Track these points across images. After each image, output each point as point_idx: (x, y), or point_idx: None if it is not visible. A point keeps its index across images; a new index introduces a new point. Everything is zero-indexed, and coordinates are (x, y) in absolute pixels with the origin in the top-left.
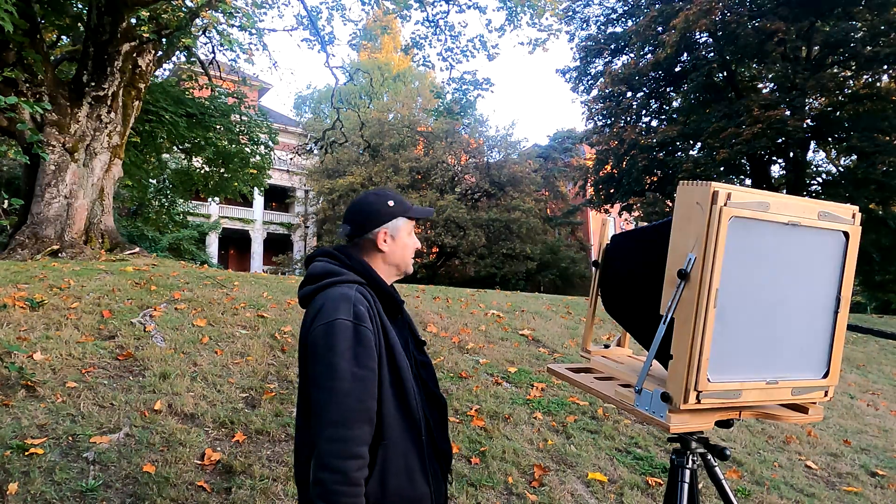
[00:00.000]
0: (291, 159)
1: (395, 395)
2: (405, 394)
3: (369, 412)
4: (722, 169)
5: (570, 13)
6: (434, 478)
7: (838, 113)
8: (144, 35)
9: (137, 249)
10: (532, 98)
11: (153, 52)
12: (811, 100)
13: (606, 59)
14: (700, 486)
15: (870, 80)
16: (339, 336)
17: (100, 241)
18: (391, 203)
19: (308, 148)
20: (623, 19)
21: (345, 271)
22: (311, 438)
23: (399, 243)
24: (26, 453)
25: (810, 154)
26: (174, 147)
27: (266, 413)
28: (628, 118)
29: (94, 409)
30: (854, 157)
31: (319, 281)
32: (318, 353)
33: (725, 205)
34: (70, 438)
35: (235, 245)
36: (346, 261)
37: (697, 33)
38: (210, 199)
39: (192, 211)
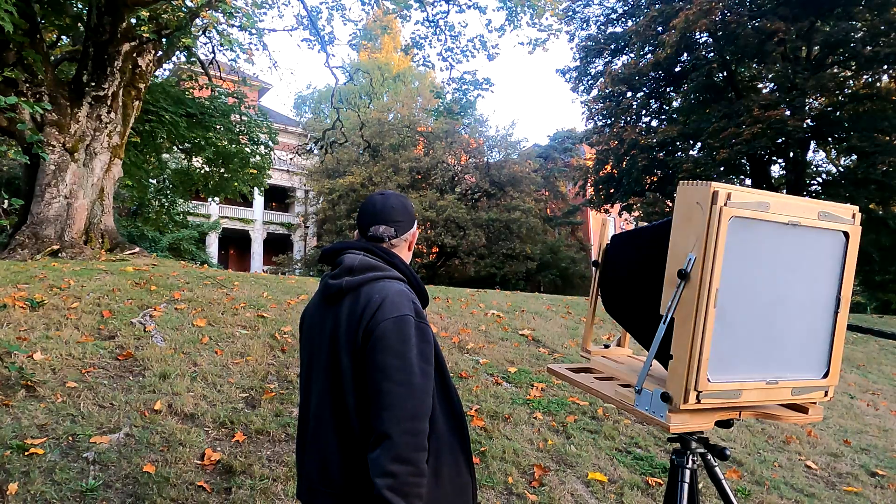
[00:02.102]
0: (291, 159)
1: (441, 391)
2: (448, 389)
3: (430, 407)
4: (722, 169)
5: (570, 13)
6: (472, 468)
7: (838, 113)
8: (144, 35)
9: (137, 249)
10: (532, 98)
11: (153, 52)
12: (811, 100)
13: (606, 59)
14: (700, 486)
15: (870, 80)
16: (410, 332)
17: (100, 241)
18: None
19: (308, 148)
20: (623, 19)
21: (387, 267)
22: (363, 428)
23: (412, 245)
24: (26, 453)
25: (810, 154)
26: (174, 147)
27: (266, 413)
28: (628, 118)
29: (94, 409)
30: (854, 157)
31: (363, 273)
32: (391, 347)
33: (725, 205)
34: (70, 438)
35: (235, 245)
36: (386, 257)
37: (697, 33)
38: (210, 199)
39: (192, 211)
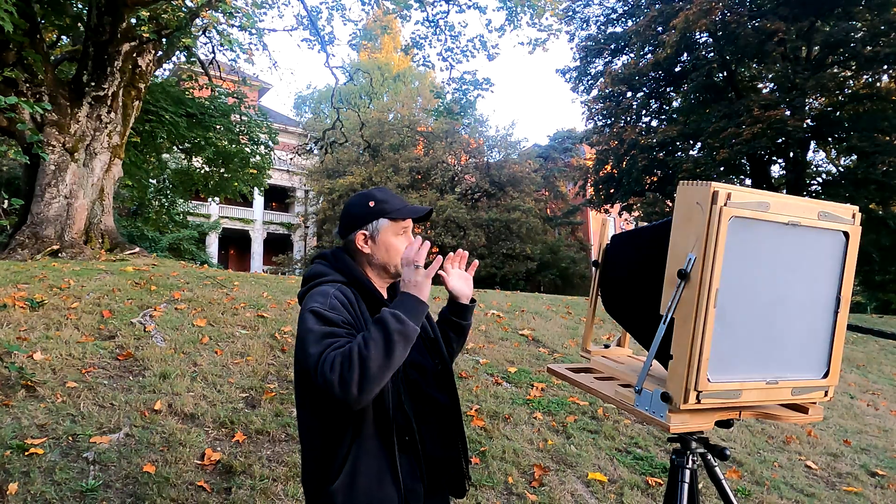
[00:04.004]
0: (291, 159)
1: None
2: (380, 392)
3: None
4: (722, 169)
5: (570, 13)
6: (410, 482)
7: (838, 113)
8: (144, 35)
9: (137, 249)
10: (532, 98)
11: (153, 52)
12: (811, 100)
13: (606, 59)
14: (700, 486)
15: (870, 80)
16: (309, 322)
17: (100, 241)
18: (372, 203)
19: (308, 148)
20: (623, 19)
21: (332, 272)
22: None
23: (381, 245)
24: (26, 453)
25: (810, 154)
26: (174, 147)
27: (266, 413)
28: (628, 118)
29: (94, 409)
30: (854, 157)
31: (308, 283)
32: (297, 342)
33: (725, 205)
34: (70, 438)
35: (235, 245)
36: (333, 262)
37: (697, 33)
38: (210, 199)
39: (192, 211)
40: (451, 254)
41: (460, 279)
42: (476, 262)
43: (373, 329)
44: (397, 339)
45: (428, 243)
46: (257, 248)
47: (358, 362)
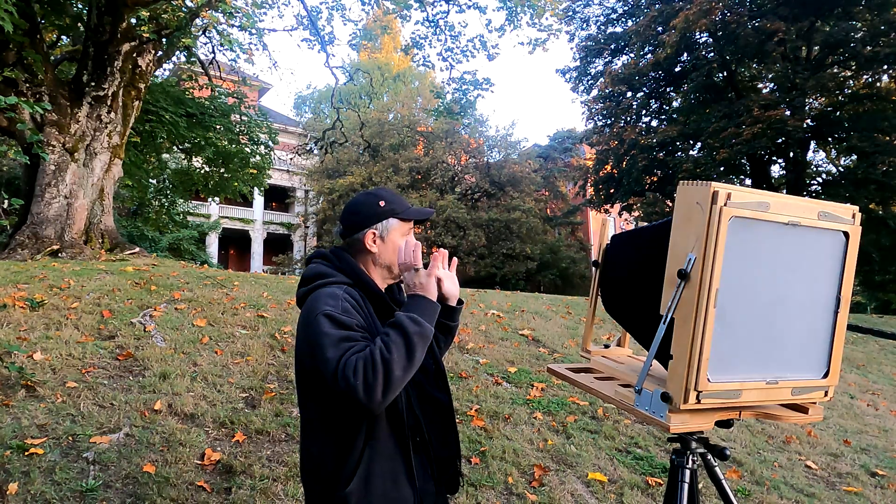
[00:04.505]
0: (291, 159)
1: None
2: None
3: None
4: (722, 169)
5: (570, 13)
6: (423, 482)
7: (838, 113)
8: (144, 35)
9: (137, 249)
10: (532, 98)
11: (153, 52)
12: (811, 100)
13: (606, 59)
14: (700, 486)
15: (870, 80)
16: (323, 326)
17: (100, 241)
18: (382, 203)
19: (308, 148)
20: (623, 19)
21: (335, 273)
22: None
23: (389, 245)
24: (26, 453)
25: (810, 154)
26: (174, 147)
27: (266, 413)
28: (628, 118)
29: (94, 409)
30: (854, 157)
31: (311, 283)
32: (303, 347)
33: (725, 205)
34: (70, 438)
35: (235, 245)
36: (336, 262)
37: (697, 33)
38: (210, 199)
39: (192, 211)
40: (435, 254)
41: (448, 279)
42: (455, 259)
43: (391, 332)
44: (417, 341)
45: (420, 243)
46: (257, 248)
47: (381, 366)
